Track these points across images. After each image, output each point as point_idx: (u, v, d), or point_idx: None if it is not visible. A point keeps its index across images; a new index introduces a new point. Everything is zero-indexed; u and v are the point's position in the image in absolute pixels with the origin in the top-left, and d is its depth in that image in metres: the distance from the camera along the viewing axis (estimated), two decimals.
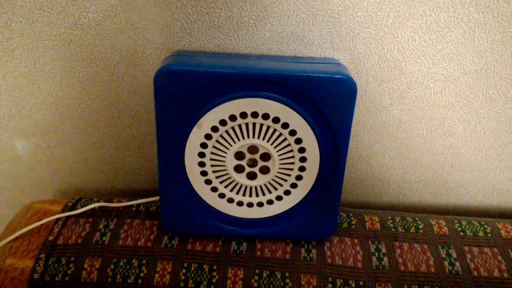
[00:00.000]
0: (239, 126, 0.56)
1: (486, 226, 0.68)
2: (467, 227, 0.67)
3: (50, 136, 0.73)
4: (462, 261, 0.63)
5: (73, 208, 0.69)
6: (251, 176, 0.60)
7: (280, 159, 0.58)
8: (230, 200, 0.62)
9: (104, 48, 0.62)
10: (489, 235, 0.66)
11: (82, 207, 0.69)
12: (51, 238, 0.64)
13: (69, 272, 0.60)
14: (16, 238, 0.64)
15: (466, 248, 0.64)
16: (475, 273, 0.61)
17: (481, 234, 0.66)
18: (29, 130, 0.72)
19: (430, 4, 0.57)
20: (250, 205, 0.62)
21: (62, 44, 0.62)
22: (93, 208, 0.68)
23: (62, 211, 0.68)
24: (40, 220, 0.67)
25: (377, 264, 0.62)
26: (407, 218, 0.69)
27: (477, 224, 0.68)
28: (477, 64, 0.61)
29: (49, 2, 0.58)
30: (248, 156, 0.59)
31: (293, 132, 0.56)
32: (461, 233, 0.66)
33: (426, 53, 0.61)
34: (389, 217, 0.69)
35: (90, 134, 0.72)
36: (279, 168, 0.59)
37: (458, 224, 0.68)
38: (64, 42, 0.62)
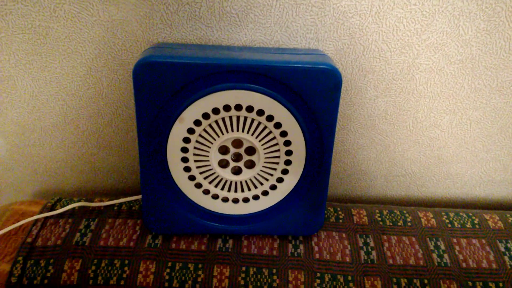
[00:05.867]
0: (223, 119, 0.55)
1: (473, 218, 0.67)
2: (455, 219, 0.67)
3: (28, 135, 0.70)
4: (450, 253, 0.62)
5: (52, 208, 0.66)
6: (236, 171, 0.59)
7: (265, 153, 0.57)
8: (215, 196, 0.60)
9: (82, 41, 0.60)
10: (477, 226, 0.66)
11: (61, 207, 0.66)
12: (29, 240, 0.61)
13: (48, 275, 0.58)
14: None
15: (454, 240, 0.64)
16: (464, 264, 0.61)
17: (468, 225, 0.66)
18: (5, 129, 0.69)
19: None
20: (235, 201, 0.61)
21: (38, 38, 0.60)
22: (73, 208, 0.66)
23: (41, 212, 0.66)
24: (17, 221, 0.65)
25: (366, 258, 0.61)
26: (395, 211, 0.68)
27: (464, 215, 0.68)
28: (462, 54, 0.61)
29: None
30: (233, 150, 0.57)
31: (278, 125, 0.55)
32: (449, 225, 0.66)
33: (411, 43, 0.60)
34: (377, 211, 0.68)
35: (69, 132, 0.70)
36: (265, 162, 0.58)
37: (445, 216, 0.67)
38: (40, 35, 0.59)
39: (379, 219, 0.67)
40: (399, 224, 0.66)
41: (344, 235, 0.64)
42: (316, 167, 0.59)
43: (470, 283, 0.59)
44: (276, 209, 0.62)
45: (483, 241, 0.64)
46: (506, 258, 0.62)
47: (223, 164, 0.58)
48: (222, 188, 0.60)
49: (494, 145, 0.71)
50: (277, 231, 0.63)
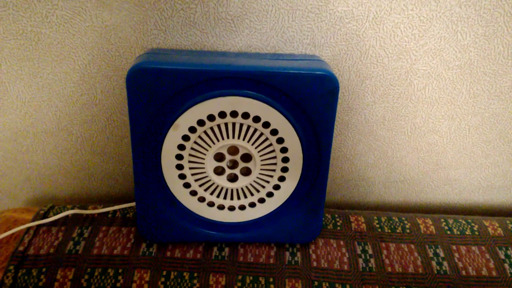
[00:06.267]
0: (218, 126, 0.54)
1: (473, 224, 0.67)
2: (454, 226, 0.66)
3: (20, 141, 0.69)
4: (450, 260, 0.61)
5: (45, 216, 0.65)
6: (232, 178, 0.58)
7: (261, 160, 0.56)
8: (211, 204, 0.59)
9: (74, 47, 0.59)
10: (476, 233, 0.65)
11: (54, 215, 0.65)
12: (21, 248, 0.60)
13: (40, 284, 0.57)
14: None
15: (454, 247, 0.63)
16: (464, 272, 0.60)
17: (468, 232, 0.65)
18: None
19: None
20: (231, 208, 0.60)
21: (30, 43, 0.59)
22: (67, 216, 0.65)
23: (33, 220, 0.64)
24: (9, 229, 0.63)
25: (364, 266, 0.60)
26: (393, 217, 0.67)
27: (464, 222, 0.67)
28: (460, 59, 0.60)
29: None
30: (228, 157, 0.56)
31: (274, 132, 0.54)
32: (448, 232, 0.65)
33: (408, 48, 0.59)
34: (375, 217, 0.67)
35: (62, 139, 0.69)
36: (261, 169, 0.57)
37: (445, 223, 0.67)
38: (32, 41, 0.59)
39: (378, 226, 0.66)
40: (398, 231, 0.65)
41: (342, 242, 0.63)
42: (313, 174, 0.58)
43: None
44: (273, 217, 0.61)
45: (483, 248, 0.63)
46: (506, 265, 0.61)
47: (218, 171, 0.58)
48: (218, 196, 0.59)
49: (493, 151, 0.70)
50: (274, 238, 0.62)
